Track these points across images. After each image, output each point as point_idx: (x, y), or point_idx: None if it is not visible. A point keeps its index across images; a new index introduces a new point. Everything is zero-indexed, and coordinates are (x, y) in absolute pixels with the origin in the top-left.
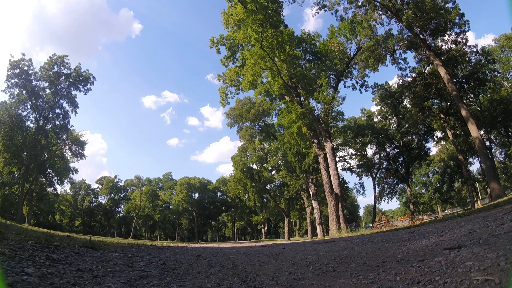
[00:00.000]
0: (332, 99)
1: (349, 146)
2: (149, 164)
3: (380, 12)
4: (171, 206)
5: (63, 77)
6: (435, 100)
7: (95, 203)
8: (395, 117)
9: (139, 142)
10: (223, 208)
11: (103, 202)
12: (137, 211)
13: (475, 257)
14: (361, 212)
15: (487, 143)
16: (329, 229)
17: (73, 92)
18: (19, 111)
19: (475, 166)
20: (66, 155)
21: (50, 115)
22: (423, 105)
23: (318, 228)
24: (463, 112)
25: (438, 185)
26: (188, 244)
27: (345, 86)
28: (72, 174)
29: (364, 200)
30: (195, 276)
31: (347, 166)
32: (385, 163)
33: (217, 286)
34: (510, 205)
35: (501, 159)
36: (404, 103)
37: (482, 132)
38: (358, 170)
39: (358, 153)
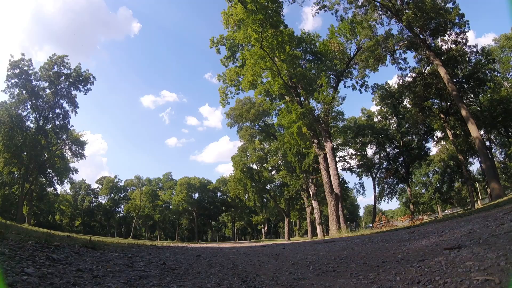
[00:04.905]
0: (332, 99)
1: (349, 146)
2: (149, 164)
3: (380, 12)
4: (171, 206)
5: (63, 77)
6: (435, 100)
7: (95, 203)
8: (395, 117)
9: (138, 142)
10: (223, 208)
11: (103, 202)
12: (137, 211)
13: (475, 257)
14: (361, 212)
15: (487, 143)
16: (329, 229)
17: (73, 92)
18: (19, 111)
19: (475, 166)
20: (66, 155)
21: (50, 115)
22: (423, 105)
23: (318, 228)
24: (463, 112)
25: (438, 185)
26: (188, 244)
27: (345, 86)
28: (72, 174)
29: (364, 200)
30: (195, 276)
31: (347, 166)
32: (385, 163)
33: (217, 286)
34: (510, 205)
35: (501, 159)
36: (404, 103)
37: (482, 132)
38: (358, 170)
39: (358, 153)
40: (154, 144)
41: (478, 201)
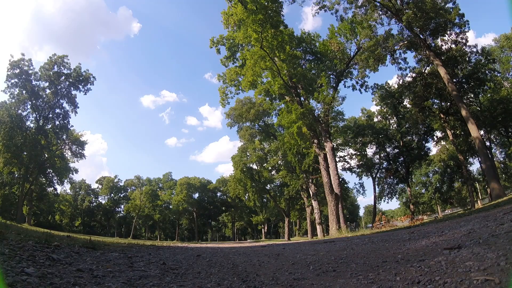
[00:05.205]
0: (332, 99)
1: (349, 146)
2: (149, 164)
3: (380, 12)
4: (171, 206)
5: (63, 77)
6: (435, 100)
7: (95, 203)
8: (395, 117)
9: (138, 142)
10: (223, 208)
11: (103, 202)
12: (137, 211)
13: (475, 257)
14: (361, 212)
15: (487, 143)
16: (329, 229)
17: (73, 92)
18: (19, 111)
19: (475, 166)
20: (66, 155)
21: (50, 115)
22: (423, 105)
23: (318, 228)
24: (463, 112)
25: (438, 185)
26: (188, 244)
27: (345, 86)
28: (72, 174)
29: (364, 200)
30: (195, 276)
31: (347, 166)
32: (385, 163)
33: (217, 286)
34: (510, 205)
35: (501, 159)
36: (404, 103)
37: (482, 132)
38: (358, 170)
39: (358, 153)
40: (154, 144)
41: (478, 201)
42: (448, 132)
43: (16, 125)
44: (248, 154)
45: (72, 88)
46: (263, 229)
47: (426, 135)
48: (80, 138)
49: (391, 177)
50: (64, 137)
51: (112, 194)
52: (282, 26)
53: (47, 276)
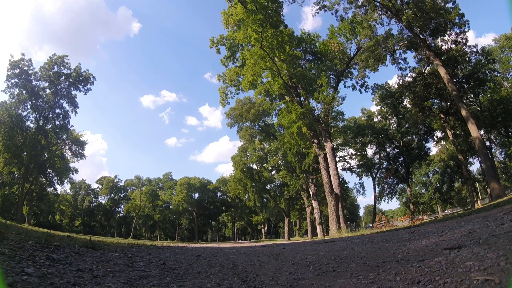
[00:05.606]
0: (332, 99)
1: (349, 146)
2: (149, 164)
3: (380, 12)
4: (171, 206)
5: (63, 77)
6: (435, 100)
7: (95, 203)
8: (395, 117)
9: (138, 142)
10: (223, 208)
11: (103, 202)
12: (137, 211)
13: (475, 257)
14: (361, 212)
15: (487, 143)
16: (329, 229)
17: (73, 92)
18: (19, 111)
19: (475, 166)
20: (66, 155)
21: (50, 115)
22: (423, 105)
23: (318, 228)
24: (463, 112)
25: (438, 185)
26: (188, 244)
27: (345, 86)
28: (72, 174)
29: (364, 200)
30: (195, 276)
31: (347, 166)
32: (385, 163)
33: (217, 286)
34: (510, 205)
35: (501, 159)
36: (404, 103)
37: (482, 132)
38: (358, 170)
39: (358, 153)
40: (154, 144)
41: (478, 201)
42: (448, 132)
43: (16, 125)
44: (248, 154)
45: (72, 88)
46: (263, 229)
47: (426, 135)
48: (80, 138)
49: (391, 177)
50: (64, 137)
51: (112, 194)
52: (282, 26)
53: (47, 276)
